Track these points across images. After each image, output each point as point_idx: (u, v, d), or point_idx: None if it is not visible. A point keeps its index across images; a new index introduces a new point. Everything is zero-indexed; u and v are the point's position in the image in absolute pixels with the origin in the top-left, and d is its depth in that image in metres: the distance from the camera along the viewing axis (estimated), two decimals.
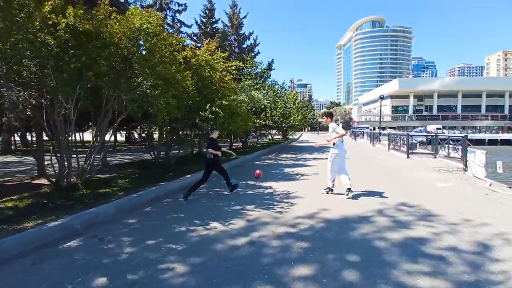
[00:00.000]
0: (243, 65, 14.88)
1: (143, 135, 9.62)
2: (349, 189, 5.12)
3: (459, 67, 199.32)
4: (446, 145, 10.01)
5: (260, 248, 3.07)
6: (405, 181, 6.88)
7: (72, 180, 5.95)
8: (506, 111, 67.60)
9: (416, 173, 7.96)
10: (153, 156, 8.79)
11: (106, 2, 4.71)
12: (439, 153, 10.78)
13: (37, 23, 3.82)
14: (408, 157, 11.44)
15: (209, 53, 7.44)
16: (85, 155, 6.13)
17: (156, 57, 5.25)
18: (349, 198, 5.04)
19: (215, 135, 5.73)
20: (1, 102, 7.11)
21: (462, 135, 8.91)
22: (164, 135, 8.48)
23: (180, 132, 9.32)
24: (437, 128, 52.03)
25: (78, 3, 4.08)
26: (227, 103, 6.55)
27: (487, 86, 68.38)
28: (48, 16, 4.01)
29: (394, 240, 3.22)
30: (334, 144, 5.25)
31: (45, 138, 7.47)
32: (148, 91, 4.77)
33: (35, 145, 8.45)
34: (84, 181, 5.93)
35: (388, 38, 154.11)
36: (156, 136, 11.23)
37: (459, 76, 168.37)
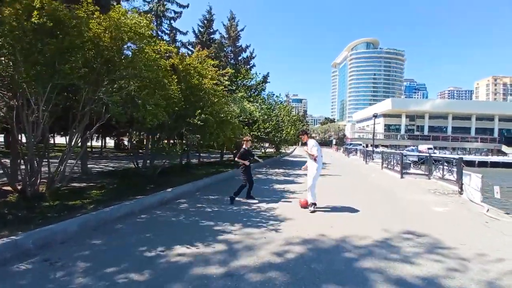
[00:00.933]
0: (237, 75, 14.71)
1: (133, 142, 9.08)
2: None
3: (449, 90, 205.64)
4: (441, 166, 9.79)
5: (237, 282, 2.61)
6: (401, 203, 6.53)
7: (41, 189, 5.43)
8: (496, 134, 69.22)
9: (411, 195, 7.64)
10: (136, 165, 8.29)
11: (89, 0, 4.36)
12: (433, 174, 10.56)
13: (7, 10, 3.44)
14: (402, 177, 11.17)
15: (199, 60, 7.14)
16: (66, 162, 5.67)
17: (142, 60, 4.90)
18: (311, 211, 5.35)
19: (246, 145, 6.31)
20: None
21: (457, 156, 8.72)
22: (150, 144, 8.01)
23: (169, 141, 8.88)
24: (429, 148, 52.68)
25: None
26: (219, 107, 6.19)
27: (476, 110, 70.33)
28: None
29: (393, 277, 2.80)
30: (315, 159, 5.43)
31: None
32: (135, 93, 4.35)
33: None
34: (53, 190, 5.41)
35: (382, 59, 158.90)
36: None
37: (449, 98, 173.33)
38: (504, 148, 59.47)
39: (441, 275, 2.88)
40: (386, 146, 60.06)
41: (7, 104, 5.36)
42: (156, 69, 4.97)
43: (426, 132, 72.20)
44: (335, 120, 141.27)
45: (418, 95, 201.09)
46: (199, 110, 6.18)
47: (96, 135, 16.02)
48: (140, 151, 12.20)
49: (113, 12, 4.27)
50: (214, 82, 6.93)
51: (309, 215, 5.11)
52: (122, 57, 4.78)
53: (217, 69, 7.46)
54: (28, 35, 3.53)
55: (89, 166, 11.42)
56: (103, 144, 22.34)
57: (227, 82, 9.62)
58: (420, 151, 46.26)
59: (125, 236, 3.73)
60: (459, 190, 7.87)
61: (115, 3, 5.13)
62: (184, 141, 8.37)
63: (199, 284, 2.53)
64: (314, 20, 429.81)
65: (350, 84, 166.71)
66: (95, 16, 4.36)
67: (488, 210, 6.19)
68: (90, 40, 4.01)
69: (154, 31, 12.47)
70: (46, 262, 2.91)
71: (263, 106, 14.77)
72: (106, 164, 12.61)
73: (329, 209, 5.55)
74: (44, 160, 5.50)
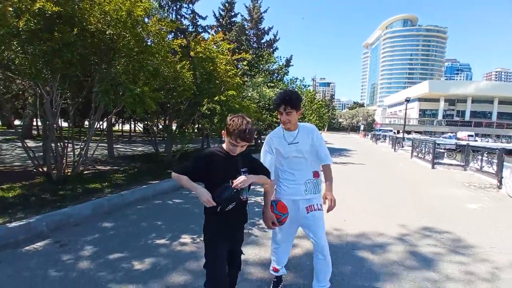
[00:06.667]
0: (259, 59, 14.21)
1: (153, 126, 9.36)
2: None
3: (496, 72, 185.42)
4: (480, 157, 8.86)
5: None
6: (428, 198, 6.02)
7: (67, 172, 5.76)
8: None
9: (442, 188, 7.02)
10: (156, 150, 8.54)
11: None
12: (470, 165, 9.62)
13: (10, 9, 3.53)
14: (433, 167, 10.34)
15: (217, 46, 6.92)
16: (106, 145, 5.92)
17: (139, 45, 4.64)
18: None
19: (229, 145, 1.75)
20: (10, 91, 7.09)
21: (497, 144, 7.83)
22: (165, 129, 8.15)
23: (187, 126, 8.97)
24: (469, 135, 48.40)
25: None
26: (224, 98, 5.98)
27: None
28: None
29: (405, 281, 2.56)
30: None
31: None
32: (120, 78, 4.23)
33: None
34: (78, 174, 5.71)
35: (421, 37, 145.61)
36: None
37: (496, 80, 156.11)
38: None
39: (460, 281, 2.57)
40: (420, 133, 56.23)
41: (35, 93, 5.66)
42: (157, 54, 4.78)
43: (467, 118, 66.26)
44: (364, 105, 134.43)
45: (461, 76, 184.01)
46: (207, 99, 6.01)
47: (121, 119, 16.68)
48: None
49: None
50: (228, 68, 6.68)
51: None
52: (121, 44, 4.57)
53: (230, 53, 7.14)
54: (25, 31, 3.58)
55: (119, 149, 12.07)
56: (133, 128, 23.45)
57: (246, 67, 9.33)
58: (459, 139, 42.64)
59: (133, 222, 3.82)
60: (498, 184, 7.09)
61: None
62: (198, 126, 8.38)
63: (200, 274, 2.50)
64: None
65: (382, 66, 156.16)
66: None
67: None
68: (90, 32, 3.96)
69: (172, 13, 12.28)
70: (57, 244, 3.06)
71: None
72: (134, 148, 13.23)
73: (343, 203, 5.28)
74: (70, 143, 5.78)
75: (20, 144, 10.90)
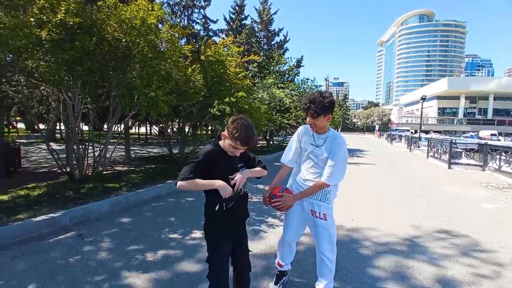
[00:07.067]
0: (269, 61, 14.34)
1: (166, 129, 9.70)
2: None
3: None
4: (498, 156, 8.55)
5: None
6: (442, 198, 5.91)
7: (88, 172, 6.12)
8: None
9: (457, 188, 6.85)
10: (170, 151, 8.84)
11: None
12: (489, 165, 9.29)
13: (32, 19, 3.85)
14: (449, 167, 10.06)
15: (227, 49, 7.13)
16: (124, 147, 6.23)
17: (153, 52, 4.91)
18: None
19: (227, 141, 1.75)
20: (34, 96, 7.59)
21: None
22: (178, 131, 8.44)
23: (200, 129, 9.23)
24: (492, 135, 46.11)
25: None
26: (234, 100, 6.15)
27: None
28: (42, 11, 3.98)
29: (410, 281, 2.60)
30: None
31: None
32: (135, 82, 4.49)
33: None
34: (97, 174, 6.05)
35: (438, 33, 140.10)
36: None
37: None
38: None
39: (465, 281, 2.58)
40: (439, 132, 54.21)
41: (58, 98, 6.08)
42: (170, 59, 5.01)
43: (490, 116, 63.22)
44: (380, 104, 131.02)
45: (482, 72, 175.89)
46: (217, 101, 6.22)
47: (138, 122, 17.29)
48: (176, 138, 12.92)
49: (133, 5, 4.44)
50: (238, 70, 6.88)
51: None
52: (136, 50, 4.81)
53: (240, 56, 7.34)
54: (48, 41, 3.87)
55: (136, 151, 12.56)
56: (149, 131, 24.13)
57: (255, 69, 9.48)
58: (481, 138, 40.73)
59: (148, 218, 4.05)
60: None
61: None
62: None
63: (204, 268, 2.65)
64: None
65: (398, 63, 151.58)
66: (118, 9, 4.54)
67: None
68: (107, 40, 4.25)
69: (184, 19, 12.67)
70: (79, 237, 3.32)
71: (293, 93, 14.31)
72: (150, 150, 13.69)
73: (353, 202, 5.29)
74: (90, 145, 6.15)
75: (44, 146, 11.59)
